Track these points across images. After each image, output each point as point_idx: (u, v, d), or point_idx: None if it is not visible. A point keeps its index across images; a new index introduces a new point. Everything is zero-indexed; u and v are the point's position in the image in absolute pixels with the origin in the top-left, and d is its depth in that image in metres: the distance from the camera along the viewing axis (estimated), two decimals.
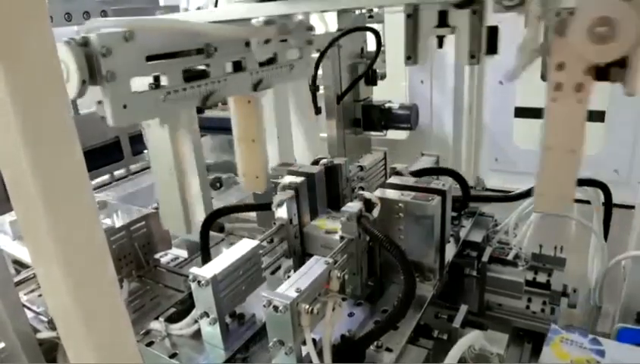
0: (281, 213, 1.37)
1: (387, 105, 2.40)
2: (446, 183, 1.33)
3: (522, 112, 2.66)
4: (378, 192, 1.31)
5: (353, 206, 1.23)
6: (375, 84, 2.39)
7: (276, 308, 0.97)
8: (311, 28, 1.25)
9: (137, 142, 1.88)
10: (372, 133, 2.46)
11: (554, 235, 1.74)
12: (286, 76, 1.13)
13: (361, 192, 1.29)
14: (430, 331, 1.25)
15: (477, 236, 1.60)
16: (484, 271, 1.46)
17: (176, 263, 1.83)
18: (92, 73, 0.73)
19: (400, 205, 1.27)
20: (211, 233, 1.88)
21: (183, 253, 1.98)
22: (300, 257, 1.42)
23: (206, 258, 1.48)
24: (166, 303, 1.41)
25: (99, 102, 0.74)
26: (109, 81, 0.73)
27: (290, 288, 1.01)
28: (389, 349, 1.11)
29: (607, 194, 1.56)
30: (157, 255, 1.68)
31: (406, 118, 2.41)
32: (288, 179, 1.46)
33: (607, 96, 2.32)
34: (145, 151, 1.96)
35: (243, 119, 1.36)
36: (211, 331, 1.18)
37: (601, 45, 0.68)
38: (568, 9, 0.73)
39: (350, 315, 1.25)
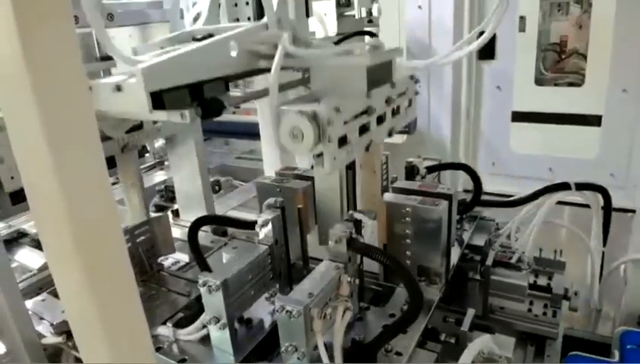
0: (266, 234, 1.32)
1: None
2: (451, 187, 1.34)
3: (519, 117, 2.69)
4: (385, 197, 1.32)
5: (342, 227, 1.17)
6: None
7: (289, 313, 0.97)
8: (417, 80, 1.39)
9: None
10: None
11: (554, 238, 1.77)
12: (403, 120, 1.31)
13: (351, 212, 1.27)
14: (437, 334, 1.26)
15: (479, 240, 1.61)
16: (487, 274, 1.47)
17: (178, 267, 1.81)
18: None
19: (408, 209, 1.28)
20: (215, 237, 1.89)
21: (184, 257, 1.97)
22: (287, 277, 1.39)
23: (201, 263, 1.46)
24: (172, 308, 1.40)
25: (319, 156, 0.99)
26: (330, 142, 0.97)
27: (302, 293, 1.01)
28: (399, 353, 1.12)
29: (607, 198, 1.59)
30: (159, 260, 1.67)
31: None
32: (294, 183, 1.47)
33: (603, 101, 2.35)
34: (147, 154, 1.97)
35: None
36: (220, 336, 1.17)
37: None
38: None
39: (358, 319, 1.26)
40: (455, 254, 1.48)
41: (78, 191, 0.61)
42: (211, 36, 1.15)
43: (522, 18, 2.82)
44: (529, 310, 1.53)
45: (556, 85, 3.84)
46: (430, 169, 1.50)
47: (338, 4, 2.16)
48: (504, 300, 1.54)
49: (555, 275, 1.59)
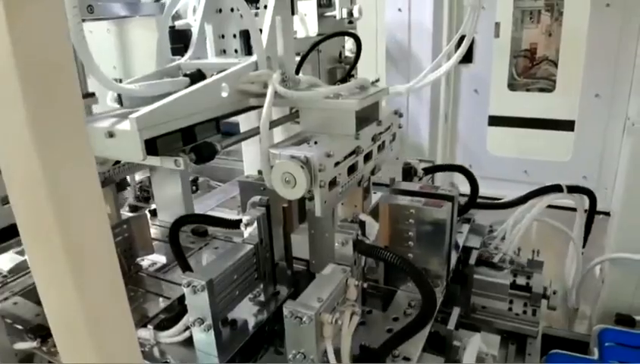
0: (251, 233, 1.29)
1: None
2: (453, 189, 1.34)
3: (495, 121, 2.74)
4: (386, 198, 1.31)
5: (348, 229, 1.17)
6: None
7: (300, 319, 0.94)
8: (401, 115, 1.40)
9: None
10: None
11: (530, 239, 1.80)
12: (386, 157, 1.32)
13: (355, 213, 1.26)
14: None
15: (475, 242, 1.62)
16: (471, 273, 1.48)
17: (155, 268, 1.76)
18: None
19: (412, 211, 1.27)
20: (195, 237, 1.85)
21: (161, 258, 1.92)
22: (271, 278, 1.37)
23: (183, 263, 1.43)
24: (152, 310, 1.36)
25: (310, 199, 1.01)
26: (322, 187, 0.99)
27: (310, 298, 0.98)
28: (406, 358, 1.09)
29: (592, 201, 1.63)
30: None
31: None
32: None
33: (575, 106, 2.42)
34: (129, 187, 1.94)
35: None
36: (204, 338, 1.14)
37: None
38: None
39: (361, 323, 1.22)
40: (453, 256, 1.48)
41: (61, 177, 0.57)
42: (200, 72, 1.18)
43: (497, 24, 2.88)
44: (510, 309, 1.55)
45: (527, 90, 3.94)
46: (427, 171, 1.51)
47: (319, 5, 2.16)
48: (485, 299, 1.56)
49: (534, 275, 1.62)
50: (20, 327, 1.27)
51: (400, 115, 1.36)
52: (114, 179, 1.67)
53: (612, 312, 1.54)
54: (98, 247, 0.64)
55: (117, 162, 1.63)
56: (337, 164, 1.05)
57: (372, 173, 1.25)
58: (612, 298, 1.55)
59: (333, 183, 1.05)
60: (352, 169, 1.13)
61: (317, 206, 1.01)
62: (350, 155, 1.10)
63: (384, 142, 1.27)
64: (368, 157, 1.19)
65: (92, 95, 1.54)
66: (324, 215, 1.09)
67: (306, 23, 2.21)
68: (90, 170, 0.61)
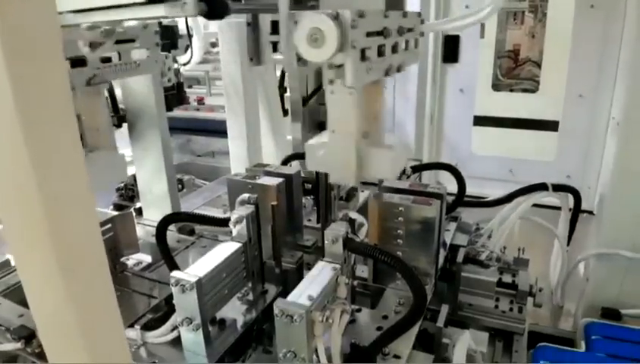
0: (240, 231, 1.28)
1: None
2: (441, 187, 1.35)
3: (480, 121, 2.76)
4: (375, 196, 1.31)
5: (338, 227, 1.14)
6: None
7: (291, 318, 0.93)
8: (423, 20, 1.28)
9: None
10: None
11: (518, 237, 1.82)
12: (412, 58, 1.23)
13: (346, 211, 1.26)
14: None
15: (462, 240, 1.63)
16: (458, 271, 1.49)
17: (141, 267, 1.74)
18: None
19: (401, 209, 1.27)
20: (181, 236, 1.83)
21: (146, 257, 1.90)
22: (259, 276, 1.36)
23: (170, 262, 1.41)
24: (138, 310, 1.34)
25: (338, 66, 0.90)
26: (353, 48, 0.87)
27: (301, 296, 0.98)
28: (397, 356, 1.09)
29: (577, 199, 1.65)
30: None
31: None
32: (267, 180, 1.44)
33: (559, 106, 2.46)
34: None
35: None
36: (192, 338, 1.12)
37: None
38: None
39: (351, 321, 1.22)
40: (441, 254, 1.48)
41: (50, 173, 0.56)
42: None
43: (482, 25, 2.90)
44: (496, 306, 1.56)
45: (511, 90, 3.98)
46: (415, 169, 1.51)
47: None
48: (472, 296, 1.57)
49: (519, 272, 1.63)
50: (2, 327, 1.24)
51: (422, 21, 1.26)
52: (105, 79, 1.62)
53: (597, 306, 1.56)
54: (87, 246, 0.63)
55: (107, 60, 1.61)
56: (368, 34, 0.94)
57: (399, 70, 1.15)
58: (597, 293, 1.57)
59: (362, 57, 0.94)
60: (380, 53, 1.03)
61: (348, 73, 0.90)
62: (379, 35, 1.00)
63: (407, 42, 1.18)
64: (394, 49, 1.10)
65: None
66: (357, 86, 0.95)
67: None
68: (79, 166, 0.60)
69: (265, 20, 2.10)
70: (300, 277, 1.37)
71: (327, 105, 1.05)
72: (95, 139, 1.63)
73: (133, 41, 1.66)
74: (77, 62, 1.52)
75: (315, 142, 1.12)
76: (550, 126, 2.58)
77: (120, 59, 1.67)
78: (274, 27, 2.10)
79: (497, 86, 3.85)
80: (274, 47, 2.11)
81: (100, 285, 0.66)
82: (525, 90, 3.93)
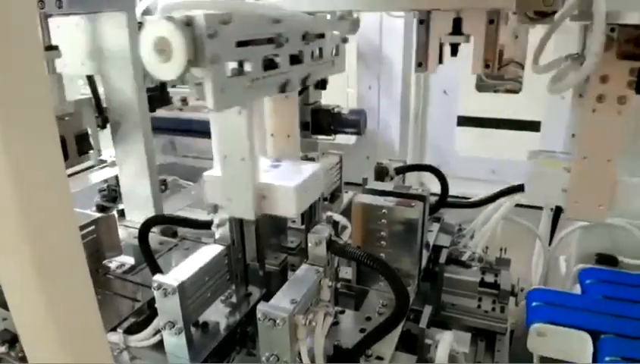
0: (223, 234, 1.27)
1: (336, 110, 2.42)
2: (424, 188, 1.36)
3: (464, 121, 2.79)
4: (358, 198, 1.31)
5: (322, 229, 1.14)
6: (325, 88, 2.40)
7: (274, 321, 0.93)
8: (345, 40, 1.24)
9: (83, 140, 1.77)
10: (320, 136, 2.46)
11: (500, 237, 1.84)
12: (326, 70, 1.10)
13: (330, 213, 1.26)
14: None
15: (445, 241, 1.65)
16: (441, 271, 1.50)
17: (123, 270, 1.72)
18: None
19: (384, 211, 1.28)
20: (164, 238, 1.82)
21: (129, 260, 1.87)
22: (243, 279, 1.35)
23: (152, 265, 1.40)
24: (121, 313, 1.32)
25: (198, 84, 0.75)
26: (213, 63, 0.71)
27: (284, 300, 0.98)
28: (379, 358, 1.10)
29: None
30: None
31: (356, 123, 2.42)
32: None
33: (541, 107, 2.49)
34: (92, 151, 1.84)
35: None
36: (175, 342, 1.12)
37: None
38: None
39: (334, 323, 1.22)
40: (424, 255, 1.50)
41: (27, 170, 0.55)
42: None
43: None
44: (479, 306, 1.58)
45: (495, 91, 4.02)
46: (398, 170, 1.52)
47: None
48: (455, 296, 1.58)
49: (501, 272, 1.66)
50: None
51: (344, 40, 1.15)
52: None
53: (592, 253, 1.57)
54: (67, 249, 0.62)
55: None
56: (243, 43, 0.78)
57: (304, 83, 1.02)
58: (589, 241, 1.58)
59: (240, 72, 0.81)
60: (271, 65, 0.89)
61: (207, 93, 0.73)
62: (269, 42, 0.85)
63: (321, 49, 1.06)
64: (296, 59, 0.97)
65: (56, 47, 1.50)
66: (220, 110, 0.76)
67: None
68: (58, 168, 0.59)
69: None
70: (284, 279, 1.38)
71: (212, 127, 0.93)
72: None
73: None
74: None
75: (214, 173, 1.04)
76: (533, 126, 2.61)
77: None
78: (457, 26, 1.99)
79: (480, 87, 3.89)
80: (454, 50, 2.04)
81: (80, 288, 0.65)
82: (508, 91, 3.98)
